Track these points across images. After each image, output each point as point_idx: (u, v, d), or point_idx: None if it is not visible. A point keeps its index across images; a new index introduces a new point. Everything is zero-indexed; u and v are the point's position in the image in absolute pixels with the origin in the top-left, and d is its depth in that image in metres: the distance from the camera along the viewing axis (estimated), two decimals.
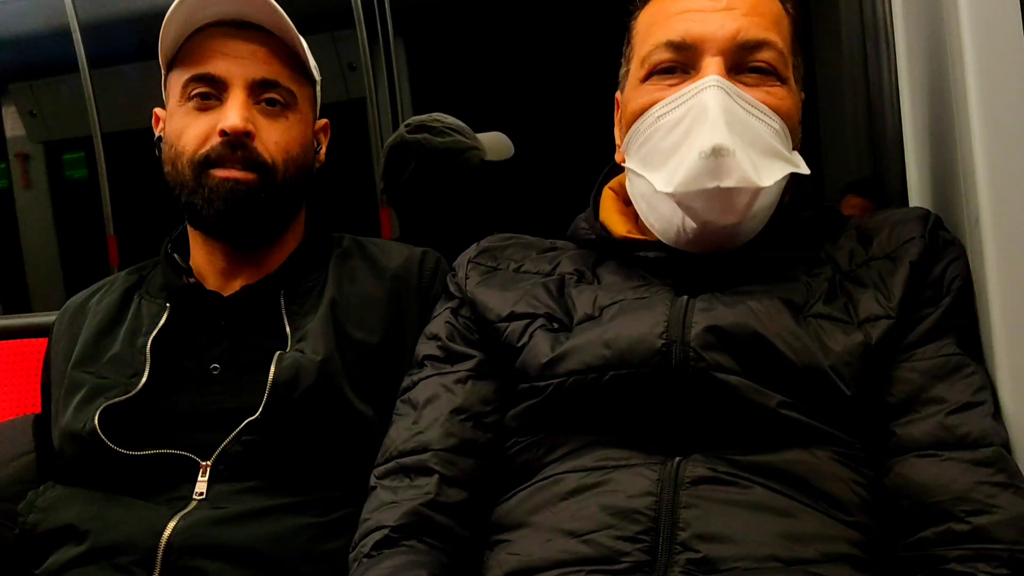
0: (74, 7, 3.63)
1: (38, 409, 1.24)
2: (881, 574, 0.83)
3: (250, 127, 1.08)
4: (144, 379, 1.07)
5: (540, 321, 0.97)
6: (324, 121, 1.24)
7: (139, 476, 1.04)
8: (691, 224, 0.92)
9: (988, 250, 0.90)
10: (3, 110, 4.24)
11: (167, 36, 1.12)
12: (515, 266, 1.06)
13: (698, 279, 0.96)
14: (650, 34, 0.99)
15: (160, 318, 1.12)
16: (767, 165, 0.91)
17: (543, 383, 0.92)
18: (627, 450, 0.88)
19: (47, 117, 4.19)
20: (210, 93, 1.10)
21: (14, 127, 4.24)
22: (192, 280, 1.15)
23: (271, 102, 1.12)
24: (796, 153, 0.97)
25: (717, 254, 0.96)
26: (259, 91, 1.11)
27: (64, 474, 1.09)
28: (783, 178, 0.93)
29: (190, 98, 1.11)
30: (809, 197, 1.04)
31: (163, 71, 1.16)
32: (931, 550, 0.81)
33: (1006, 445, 0.85)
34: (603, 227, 1.05)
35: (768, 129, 0.93)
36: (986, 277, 0.91)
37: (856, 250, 0.97)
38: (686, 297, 0.92)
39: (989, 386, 0.89)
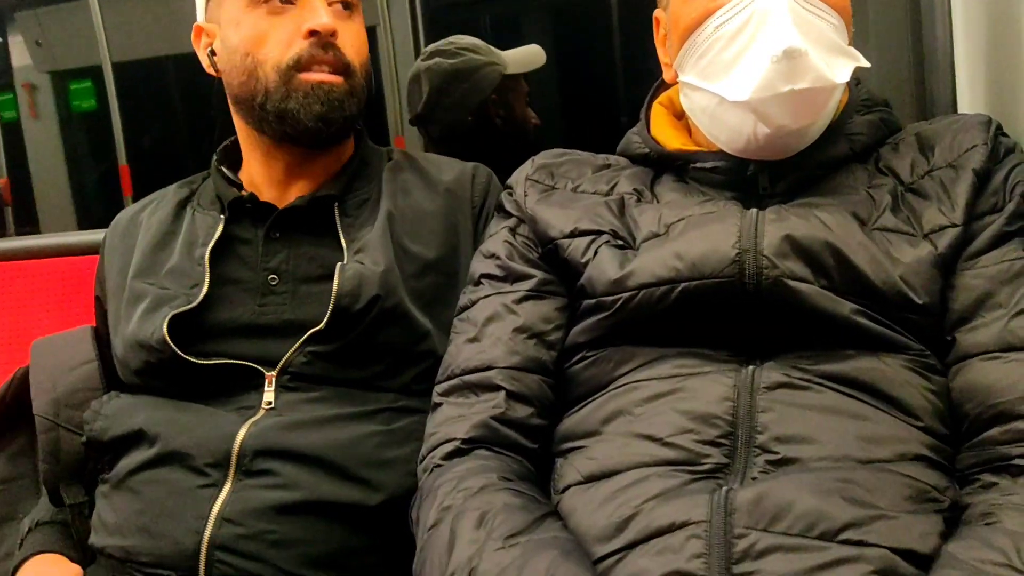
0: None
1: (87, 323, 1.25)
2: (952, 475, 0.84)
3: (337, 27, 1.08)
4: (205, 289, 1.07)
5: (605, 237, 0.97)
6: None
7: (205, 385, 1.05)
8: (764, 130, 0.91)
9: None
10: (9, 39, 4.18)
11: None
12: (573, 185, 1.06)
13: (759, 188, 0.96)
14: None
15: (216, 229, 1.12)
16: (835, 62, 0.90)
17: (611, 298, 0.92)
18: (700, 360, 0.89)
19: (53, 47, 4.13)
20: None
21: (21, 57, 4.18)
22: (246, 193, 1.15)
23: (345, 5, 1.12)
24: (853, 48, 0.95)
25: (776, 162, 0.95)
26: None
27: (128, 384, 1.10)
28: (850, 73, 0.92)
29: (261, 3, 1.08)
30: (864, 99, 1.03)
31: None
32: (996, 448, 0.82)
33: None
34: (656, 141, 1.05)
35: (829, 26, 0.92)
36: None
37: (917, 160, 0.96)
38: (755, 209, 0.92)
39: None
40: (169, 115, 4.10)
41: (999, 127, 0.97)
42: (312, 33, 1.06)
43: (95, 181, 4.23)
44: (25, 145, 4.25)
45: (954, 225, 0.90)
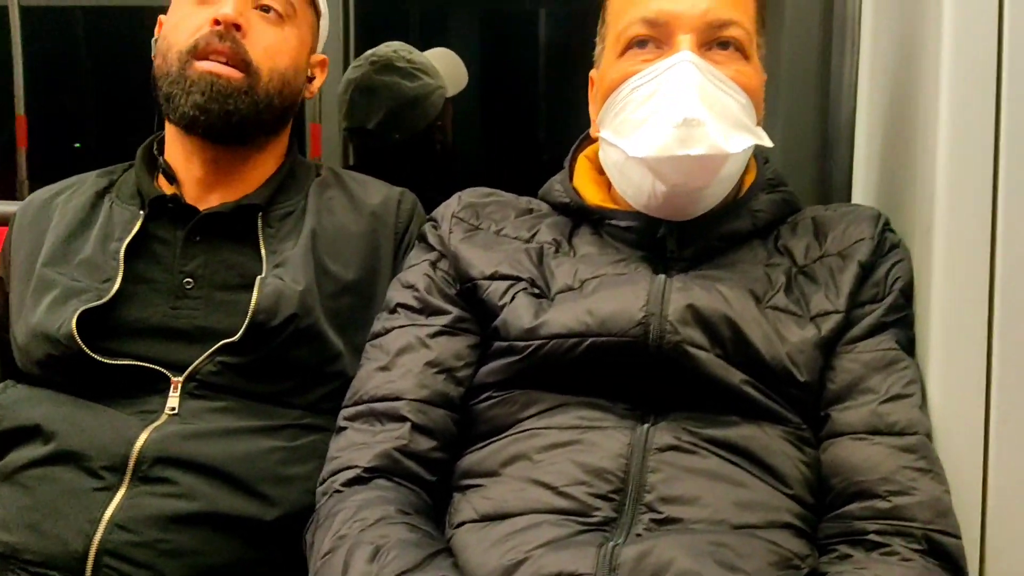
0: None
1: None
2: (814, 542, 0.92)
3: (242, 21, 1.10)
4: (117, 285, 1.06)
5: (523, 284, 1.02)
6: (323, 57, 1.25)
7: (108, 384, 1.04)
8: (661, 188, 0.98)
9: (936, 258, 0.99)
10: None
11: None
12: (496, 228, 1.10)
13: (667, 249, 1.03)
14: (625, 12, 1.04)
15: (133, 225, 1.11)
16: (734, 135, 0.98)
17: (523, 343, 0.97)
18: (601, 412, 0.95)
19: None
20: None
21: None
22: (169, 192, 1.14)
23: (267, 9, 1.13)
24: (760, 128, 1.04)
25: (684, 225, 1.03)
26: None
27: (26, 375, 1.08)
28: (749, 147, 1.00)
29: None
30: (769, 179, 1.11)
31: None
32: (854, 523, 0.90)
33: (929, 435, 0.95)
34: (577, 193, 1.10)
35: (734, 103, 1.00)
36: (931, 282, 1.00)
37: (811, 244, 1.05)
38: (663, 276, 0.99)
39: (919, 380, 0.98)
40: (73, 68, 3.94)
41: (887, 223, 1.07)
42: (215, 22, 1.09)
43: None
44: None
45: (837, 312, 0.99)
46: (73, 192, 1.19)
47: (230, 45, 1.09)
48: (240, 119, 1.11)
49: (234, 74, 1.09)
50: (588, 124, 1.14)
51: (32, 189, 3.52)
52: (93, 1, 3.91)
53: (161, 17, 1.19)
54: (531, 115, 3.42)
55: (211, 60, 1.09)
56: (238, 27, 1.09)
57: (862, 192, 1.34)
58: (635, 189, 1.02)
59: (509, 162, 3.20)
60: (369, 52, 1.86)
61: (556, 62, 3.31)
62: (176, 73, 1.10)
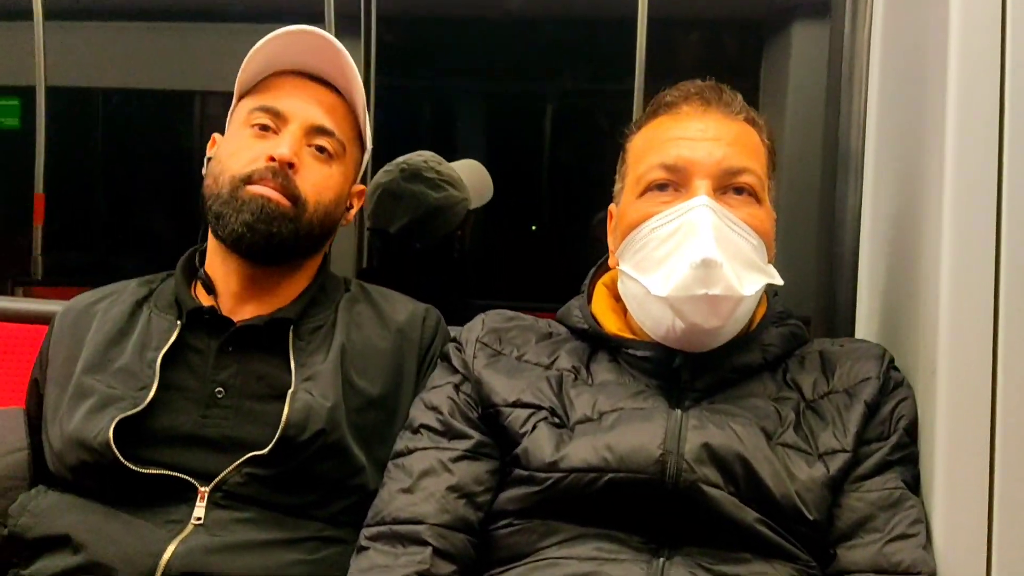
0: None
1: (13, 398, 1.25)
2: None
3: (296, 160, 1.16)
4: (152, 394, 1.10)
5: (543, 414, 1.06)
6: (362, 187, 1.32)
7: (138, 492, 1.06)
8: (680, 325, 1.03)
9: (940, 401, 1.04)
10: None
11: (247, 70, 1.21)
12: (518, 353, 1.15)
13: (683, 380, 1.07)
14: (645, 155, 1.12)
15: (170, 335, 1.16)
16: (748, 276, 1.04)
17: (543, 474, 1.01)
18: (618, 544, 0.98)
19: None
20: (269, 125, 1.18)
21: None
22: (208, 305, 1.19)
23: (321, 148, 1.20)
24: (771, 266, 1.10)
25: (700, 356, 1.07)
26: (313, 135, 1.19)
27: (58, 478, 1.11)
28: (761, 288, 1.06)
29: (252, 125, 1.19)
30: (778, 312, 1.16)
31: (234, 99, 1.24)
32: None
33: (933, 574, 0.98)
34: (595, 319, 1.16)
35: (748, 245, 1.06)
36: (935, 423, 1.04)
37: (819, 379, 1.10)
38: (679, 411, 1.03)
39: (924, 519, 1.02)
40: (91, 147, 4.05)
41: (891, 361, 1.12)
42: (271, 158, 1.15)
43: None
44: None
45: (844, 451, 1.03)
46: (113, 300, 1.23)
47: (282, 181, 1.15)
48: (281, 242, 1.17)
49: (283, 201, 1.15)
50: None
51: (46, 265, 3.57)
52: (117, 83, 4.03)
53: (216, 136, 1.26)
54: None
55: (261, 185, 1.15)
56: (291, 165, 1.16)
57: (866, 325, 1.39)
58: (654, 323, 1.07)
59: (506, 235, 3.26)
60: (401, 159, 1.94)
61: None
62: (228, 195, 1.16)
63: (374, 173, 1.97)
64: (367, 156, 1.31)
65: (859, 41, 1.45)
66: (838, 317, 1.49)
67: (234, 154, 1.18)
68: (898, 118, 1.31)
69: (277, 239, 1.16)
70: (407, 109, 3.53)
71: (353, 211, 1.30)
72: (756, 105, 1.18)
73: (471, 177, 2.02)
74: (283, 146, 1.16)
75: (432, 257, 1.92)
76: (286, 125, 1.18)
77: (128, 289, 1.25)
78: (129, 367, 1.14)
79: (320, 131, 1.19)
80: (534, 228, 3.36)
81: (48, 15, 3.55)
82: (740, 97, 1.15)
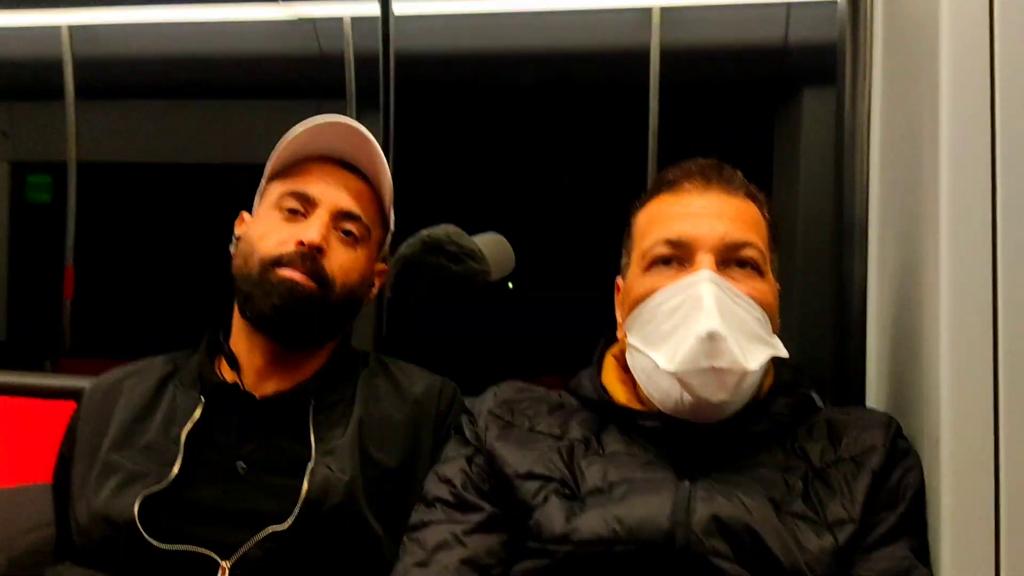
0: (70, 39, 3.68)
1: (41, 472, 1.29)
2: None
3: (324, 245, 1.20)
4: (176, 469, 1.13)
5: (554, 485, 1.08)
6: (383, 266, 1.37)
7: (161, 567, 1.09)
8: (688, 398, 1.06)
9: (944, 470, 1.05)
10: None
11: (281, 155, 1.26)
12: (529, 424, 1.18)
13: (692, 449, 1.09)
14: (650, 231, 1.16)
15: (194, 411, 1.19)
16: (752, 349, 1.07)
17: (555, 547, 1.03)
18: None
19: (19, 138, 4.19)
20: (299, 209, 1.23)
21: None
22: (231, 381, 1.23)
23: (348, 232, 1.25)
24: (775, 337, 1.13)
25: (708, 427, 1.10)
26: (341, 219, 1.24)
27: (83, 554, 1.14)
28: (766, 360, 1.08)
29: (282, 208, 1.24)
30: (786, 382, 1.19)
31: (264, 181, 1.29)
32: None
33: None
34: (605, 391, 1.19)
35: (751, 317, 1.09)
36: (940, 492, 1.05)
37: (826, 448, 1.12)
38: (687, 483, 1.05)
39: None
40: (121, 221, 4.16)
41: (898, 430, 1.13)
42: (300, 243, 1.20)
43: (36, 276, 4.21)
44: None
45: (852, 521, 1.04)
46: (140, 377, 1.28)
47: (311, 265, 1.20)
48: (311, 325, 1.22)
49: (311, 284, 1.20)
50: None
51: (73, 339, 3.63)
52: (145, 158, 4.15)
53: (244, 213, 1.32)
54: None
55: (290, 270, 1.20)
56: (320, 249, 1.20)
57: (875, 392, 1.41)
58: (663, 395, 1.10)
59: None
60: (425, 232, 2.00)
61: None
62: (257, 277, 1.20)
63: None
64: (389, 236, 1.36)
65: (860, 109, 1.47)
66: (851, 383, 1.50)
67: (264, 236, 1.23)
68: (898, 188, 1.34)
69: (304, 321, 1.20)
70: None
71: (375, 289, 1.35)
72: (768, 172, 1.22)
73: (493, 250, 2.07)
74: (312, 231, 1.20)
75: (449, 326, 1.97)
76: (315, 209, 1.23)
77: (154, 365, 1.30)
78: (155, 444, 1.17)
79: (347, 216, 1.25)
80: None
81: (79, 94, 3.72)
82: (740, 174, 1.20)
